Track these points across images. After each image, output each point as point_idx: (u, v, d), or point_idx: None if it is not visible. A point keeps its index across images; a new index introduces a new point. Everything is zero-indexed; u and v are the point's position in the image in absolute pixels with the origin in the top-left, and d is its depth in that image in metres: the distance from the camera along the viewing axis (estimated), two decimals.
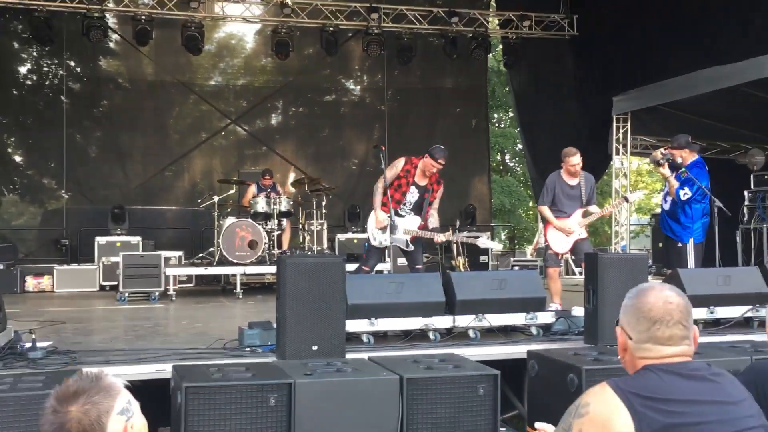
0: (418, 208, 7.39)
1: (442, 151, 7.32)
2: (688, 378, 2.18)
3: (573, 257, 8.56)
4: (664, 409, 2.09)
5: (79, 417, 1.76)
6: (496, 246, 7.89)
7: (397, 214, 7.25)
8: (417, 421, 4.20)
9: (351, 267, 7.90)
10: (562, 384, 4.38)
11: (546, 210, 7.79)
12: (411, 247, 7.40)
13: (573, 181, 7.76)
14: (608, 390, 2.14)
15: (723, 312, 6.28)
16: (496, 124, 27.10)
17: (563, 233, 7.66)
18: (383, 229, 7.25)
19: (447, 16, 14.36)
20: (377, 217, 7.29)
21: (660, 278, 9.68)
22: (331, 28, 13.98)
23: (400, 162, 7.38)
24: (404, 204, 7.36)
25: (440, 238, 7.35)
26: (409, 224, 7.31)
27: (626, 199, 8.84)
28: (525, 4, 14.77)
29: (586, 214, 7.77)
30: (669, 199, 8.10)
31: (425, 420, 4.21)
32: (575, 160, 7.69)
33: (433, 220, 7.42)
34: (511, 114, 26.05)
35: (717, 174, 8.65)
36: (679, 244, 7.99)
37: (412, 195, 7.37)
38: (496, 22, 15.53)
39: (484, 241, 7.81)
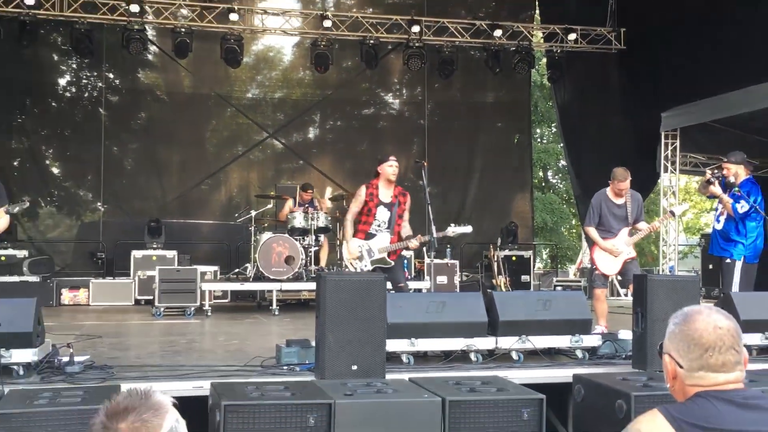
0: (389, 224, 7.72)
1: (388, 155, 7.86)
2: (743, 407, 2.15)
3: (620, 278, 8.49)
4: None
5: None
6: (465, 230, 7.85)
7: (369, 235, 7.67)
8: None
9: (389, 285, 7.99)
10: (609, 410, 4.33)
11: (593, 231, 7.75)
12: (391, 263, 7.71)
13: (619, 201, 7.72)
14: (660, 417, 2.12)
15: None
16: (539, 140, 26.99)
17: (610, 254, 7.62)
18: (359, 258, 7.67)
19: (490, 29, 14.38)
20: (349, 247, 7.70)
21: (711, 301, 9.54)
22: (371, 41, 14.08)
23: (362, 190, 7.79)
24: (376, 225, 7.71)
25: (413, 243, 7.65)
26: (381, 242, 7.66)
27: (673, 213, 8.75)
28: (571, 18, 14.74)
29: (632, 233, 7.72)
30: (722, 218, 8.00)
31: None
32: (624, 185, 7.64)
33: (405, 231, 7.76)
34: (554, 129, 25.95)
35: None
36: (728, 260, 7.88)
37: (382, 214, 7.72)
38: (541, 35, 15.51)
39: (453, 229, 7.78)
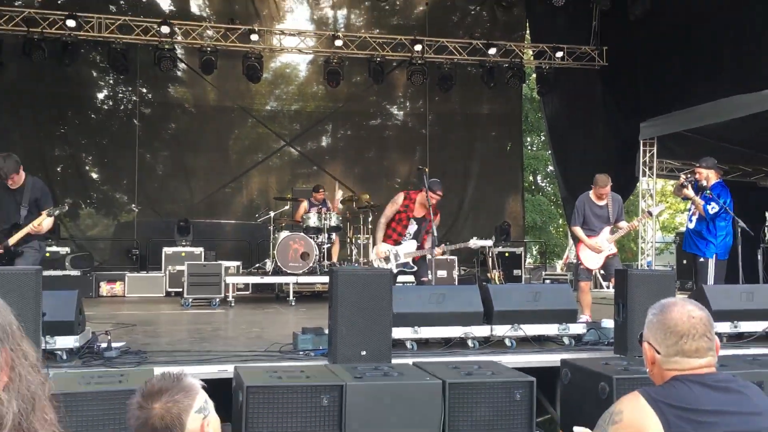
0: (417, 236, 7.65)
1: (438, 184, 7.62)
2: (716, 389, 2.15)
3: (603, 272, 8.48)
4: (694, 419, 2.06)
5: (162, 414, 1.80)
6: (486, 243, 7.78)
7: (397, 242, 7.62)
8: (458, 423, 4.18)
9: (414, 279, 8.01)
10: (593, 391, 4.33)
11: (578, 230, 7.75)
12: (415, 267, 7.67)
13: (601, 202, 7.71)
14: (640, 399, 2.12)
15: (746, 326, 6.14)
16: (529, 147, 26.89)
17: (594, 251, 7.61)
18: (385, 259, 7.59)
19: (485, 47, 14.37)
20: (378, 249, 7.62)
21: (684, 293, 9.52)
22: (378, 59, 14.10)
23: (400, 197, 7.65)
24: (405, 235, 7.63)
25: (437, 251, 7.53)
26: (408, 248, 7.59)
27: (650, 213, 8.77)
28: (558, 37, 14.71)
29: (613, 231, 7.71)
30: (694, 218, 8.00)
31: (465, 422, 4.19)
32: (605, 190, 7.66)
33: (427, 244, 7.62)
34: (542, 137, 25.87)
35: (739, 196, 8.50)
36: (701, 259, 7.89)
37: (412, 227, 7.64)
38: (531, 53, 15.49)
39: (475, 242, 7.75)
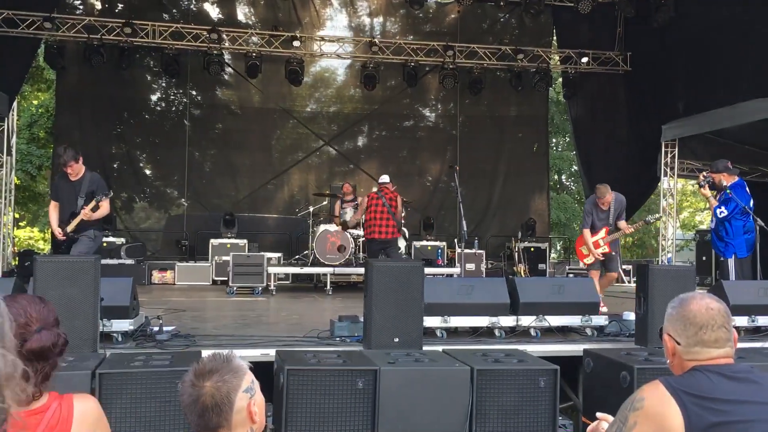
0: None
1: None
2: (733, 379, 2.12)
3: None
4: (712, 408, 2.04)
5: (212, 392, 1.83)
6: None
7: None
8: (485, 408, 4.17)
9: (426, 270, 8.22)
10: (615, 380, 4.28)
11: (588, 233, 8.07)
12: None
13: (604, 207, 8.02)
14: (661, 387, 2.10)
15: (763, 320, 6.03)
16: (555, 148, 26.61)
17: (590, 251, 7.96)
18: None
19: (513, 53, 14.26)
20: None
21: (703, 288, 9.37)
22: (412, 64, 14.08)
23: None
24: None
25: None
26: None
27: (647, 222, 8.89)
28: (583, 43, 14.53)
29: (611, 231, 7.94)
30: (714, 219, 7.89)
31: (492, 407, 4.17)
32: (604, 199, 7.94)
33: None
34: (567, 139, 25.61)
35: (757, 196, 8.33)
36: (722, 259, 7.77)
37: None
38: (557, 58, 15.33)
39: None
